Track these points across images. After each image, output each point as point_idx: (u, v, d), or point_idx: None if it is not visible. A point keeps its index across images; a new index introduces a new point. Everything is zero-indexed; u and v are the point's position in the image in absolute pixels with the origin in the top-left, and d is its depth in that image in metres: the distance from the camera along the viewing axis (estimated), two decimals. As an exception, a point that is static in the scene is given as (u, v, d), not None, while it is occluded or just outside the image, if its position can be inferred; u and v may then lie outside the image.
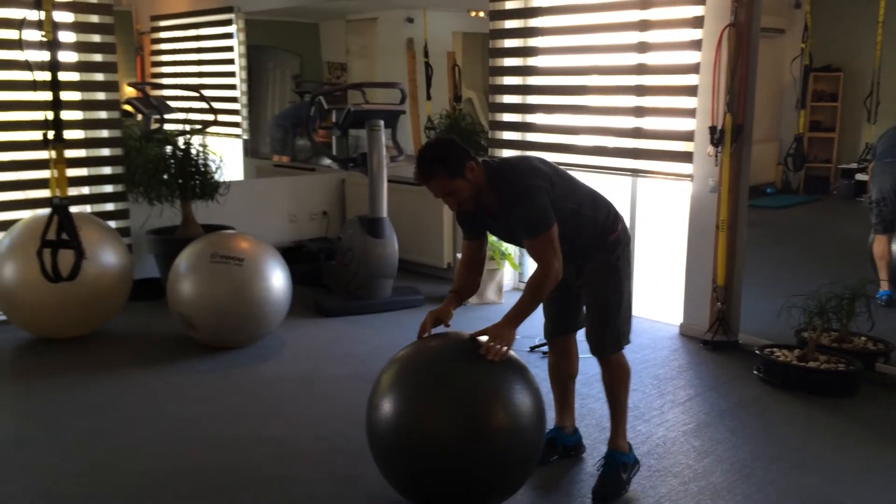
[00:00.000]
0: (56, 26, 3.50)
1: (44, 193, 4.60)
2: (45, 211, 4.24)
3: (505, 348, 2.43)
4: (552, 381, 2.99)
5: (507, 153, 5.20)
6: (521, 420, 2.35)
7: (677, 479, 2.79)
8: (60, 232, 3.53)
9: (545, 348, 3.38)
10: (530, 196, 2.51)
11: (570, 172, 2.78)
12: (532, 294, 2.52)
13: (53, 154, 3.54)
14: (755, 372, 3.77)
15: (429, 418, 2.32)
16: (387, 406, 2.36)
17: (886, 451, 3.01)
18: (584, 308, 2.80)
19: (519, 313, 2.51)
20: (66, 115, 4.14)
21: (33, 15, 3.48)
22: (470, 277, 2.75)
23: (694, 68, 4.14)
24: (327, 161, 6.19)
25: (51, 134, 3.51)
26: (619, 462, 2.73)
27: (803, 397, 3.46)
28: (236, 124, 6.72)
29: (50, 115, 3.52)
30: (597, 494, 2.67)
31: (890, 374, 3.67)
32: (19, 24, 3.58)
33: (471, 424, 2.29)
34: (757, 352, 3.80)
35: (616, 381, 2.77)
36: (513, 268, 5.12)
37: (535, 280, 2.53)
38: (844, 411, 3.39)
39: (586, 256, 2.71)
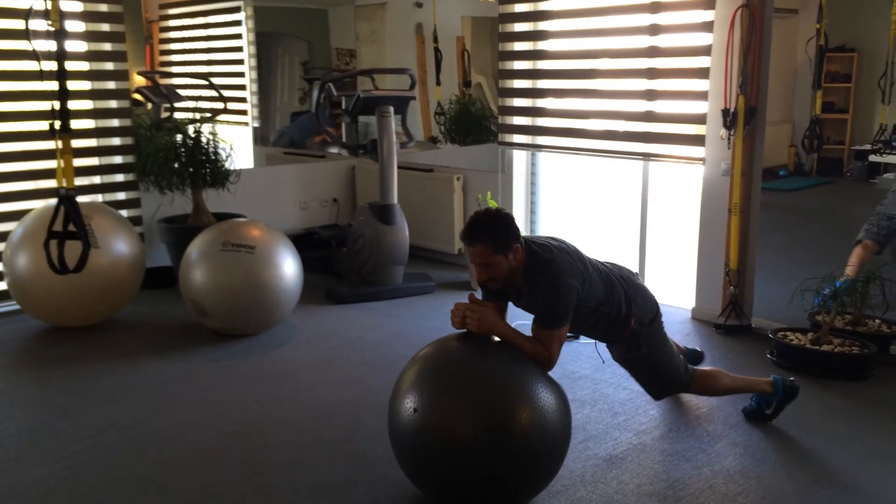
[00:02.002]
0: (63, 15, 3.48)
1: (54, 183, 4.63)
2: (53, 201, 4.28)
3: (475, 323, 2.48)
4: None
5: (517, 139, 5.18)
6: (545, 419, 2.33)
7: (690, 464, 2.79)
8: (67, 223, 3.53)
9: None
10: (562, 293, 2.60)
11: (592, 258, 2.86)
12: (519, 348, 2.51)
13: (60, 144, 3.54)
14: (768, 356, 3.76)
15: (451, 418, 2.30)
16: (409, 406, 2.35)
17: (901, 435, 3.00)
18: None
19: (508, 337, 2.53)
20: (75, 104, 4.16)
21: (40, 4, 3.47)
22: None
23: (706, 50, 4.10)
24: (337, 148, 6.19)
25: (57, 124, 3.51)
26: (765, 400, 3.09)
27: (817, 381, 3.45)
28: (245, 112, 6.71)
29: (56, 104, 3.51)
30: (747, 414, 3.14)
31: (904, 357, 3.65)
32: (26, 14, 3.57)
33: (494, 424, 2.28)
34: (770, 335, 3.79)
35: (714, 389, 3.12)
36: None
37: (531, 353, 2.51)
38: (858, 394, 3.37)
39: (610, 345, 3.06)
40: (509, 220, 2.61)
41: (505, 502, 2.44)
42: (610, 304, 2.81)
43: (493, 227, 2.57)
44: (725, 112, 4.01)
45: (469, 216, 5.46)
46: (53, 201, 4.27)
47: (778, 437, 2.98)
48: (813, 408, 3.21)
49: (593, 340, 3.25)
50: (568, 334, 2.73)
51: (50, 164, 4.55)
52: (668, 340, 3.05)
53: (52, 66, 3.50)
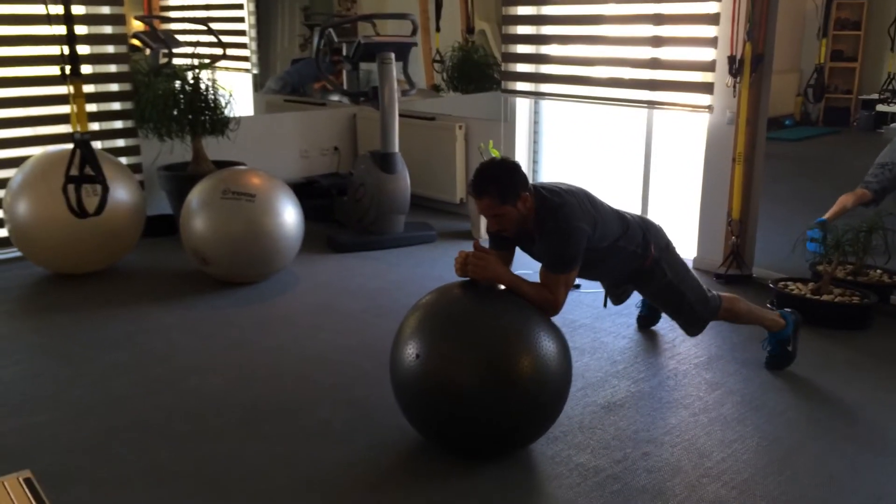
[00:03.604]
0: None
1: (55, 129, 4.60)
2: (57, 147, 4.26)
3: (478, 271, 2.47)
4: None
5: (520, 86, 5.11)
6: (547, 366, 2.34)
7: (688, 411, 2.81)
8: (83, 167, 3.52)
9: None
10: (572, 236, 2.59)
11: (604, 200, 2.88)
12: (523, 295, 2.49)
13: (72, 89, 3.50)
14: (768, 305, 3.76)
15: (453, 364, 2.31)
16: (411, 352, 2.36)
17: (898, 384, 3.02)
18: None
19: (511, 284, 2.50)
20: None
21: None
22: None
23: (714, -5, 4.02)
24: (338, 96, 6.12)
25: (68, 68, 3.47)
26: (778, 340, 3.12)
27: (816, 330, 3.46)
28: (245, 58, 6.62)
29: (66, 49, 3.46)
30: (770, 366, 3.13)
31: (905, 308, 3.66)
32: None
33: (494, 371, 2.28)
34: (771, 285, 3.79)
35: (738, 317, 3.11)
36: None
37: (535, 299, 2.49)
38: (858, 344, 3.39)
39: (636, 281, 3.06)
40: (515, 168, 2.59)
41: (504, 447, 2.47)
42: (628, 239, 2.86)
43: (498, 178, 2.55)
44: (732, 59, 3.95)
45: (473, 166, 5.44)
46: (52, 148, 4.28)
47: (775, 386, 3.00)
48: (812, 357, 3.22)
49: (602, 290, 3.29)
50: (578, 281, 2.75)
51: (48, 109, 4.53)
52: (689, 268, 3.09)
53: (58, 9, 3.44)
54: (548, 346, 2.37)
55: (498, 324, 2.36)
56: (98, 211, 3.57)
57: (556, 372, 2.38)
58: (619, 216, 2.88)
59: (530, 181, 2.64)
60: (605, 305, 3.50)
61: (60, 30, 3.45)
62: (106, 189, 3.55)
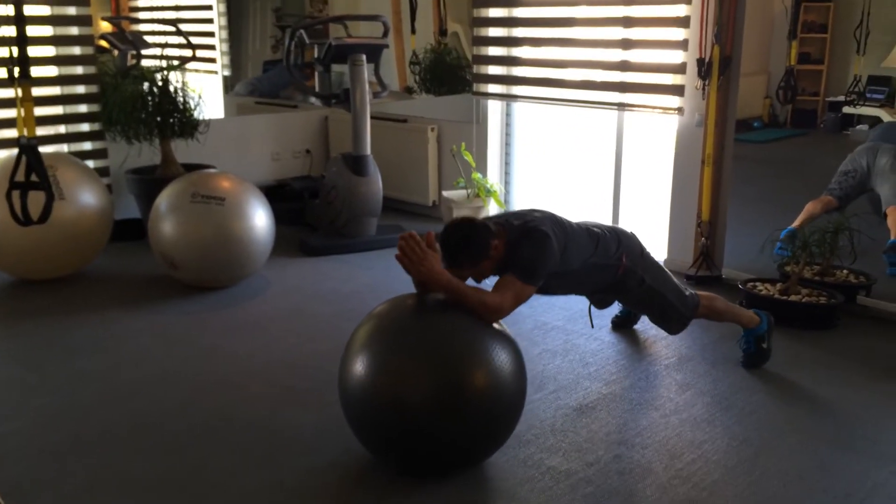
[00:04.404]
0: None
1: (12, 133, 4.51)
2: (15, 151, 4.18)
3: (415, 266, 2.33)
4: None
5: (492, 88, 5.11)
6: (500, 380, 2.26)
7: (658, 412, 2.83)
8: (29, 173, 3.45)
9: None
10: (540, 253, 2.57)
11: (573, 220, 2.88)
12: (462, 297, 2.35)
13: (20, 92, 3.43)
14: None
15: (402, 380, 2.22)
16: (359, 366, 2.27)
17: (865, 382, 3.06)
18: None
19: (452, 291, 2.36)
20: (37, 51, 4.01)
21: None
22: None
23: (684, -2, 4.05)
24: (310, 98, 6.08)
25: (16, 71, 3.40)
26: (755, 336, 3.16)
27: (785, 330, 3.49)
28: (214, 60, 6.56)
29: (15, 51, 3.40)
30: (747, 365, 3.16)
31: (870, 307, 3.71)
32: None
33: (447, 386, 2.20)
34: (740, 286, 3.83)
35: (717, 314, 3.16)
36: (498, 206, 5.09)
37: (474, 301, 2.35)
38: (825, 344, 3.43)
39: (614, 291, 3.08)
40: (473, 230, 2.54)
41: (456, 465, 2.40)
42: (600, 254, 2.86)
43: (466, 246, 2.52)
44: (700, 62, 3.98)
45: (445, 168, 5.42)
46: (13, 152, 4.19)
47: (745, 386, 3.03)
48: (780, 357, 3.25)
49: (590, 305, 3.33)
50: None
51: (8, 112, 4.43)
52: (665, 269, 3.12)
53: (8, 10, 3.38)
54: (502, 358, 2.28)
55: (452, 337, 2.28)
56: (42, 219, 3.48)
57: (511, 385, 2.31)
58: (589, 233, 2.85)
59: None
60: (591, 325, 3.51)
61: (10, 31, 3.38)
62: (51, 196, 3.46)
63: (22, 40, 3.38)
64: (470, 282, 2.53)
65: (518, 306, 2.51)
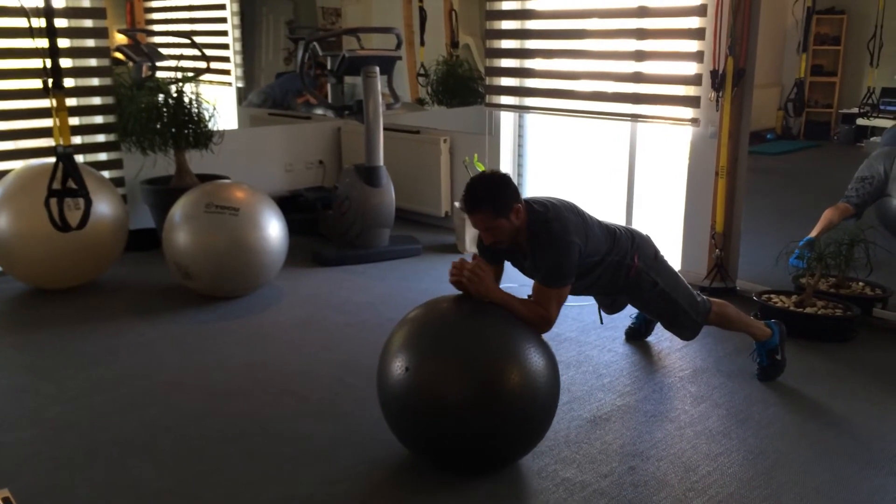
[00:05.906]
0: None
1: (37, 143, 4.56)
2: (38, 161, 4.23)
3: (473, 286, 2.44)
4: None
5: (504, 100, 5.13)
6: (535, 381, 2.34)
7: (673, 424, 2.81)
8: (66, 180, 3.50)
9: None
10: (566, 250, 2.61)
11: (593, 215, 2.90)
12: (514, 312, 2.48)
13: (55, 102, 3.48)
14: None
15: (442, 379, 2.30)
16: (399, 365, 2.35)
17: (881, 395, 3.03)
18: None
19: (503, 302, 2.48)
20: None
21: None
22: None
23: (698, 10, 4.04)
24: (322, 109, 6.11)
25: (50, 82, 3.45)
26: (767, 350, 3.14)
27: (800, 343, 3.47)
28: (228, 72, 6.61)
29: (48, 62, 3.45)
30: (762, 377, 3.14)
31: (887, 319, 3.68)
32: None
33: (484, 386, 2.28)
34: (754, 298, 3.81)
35: (728, 322, 3.13)
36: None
37: (525, 315, 2.49)
38: (841, 356, 3.41)
39: (627, 292, 3.05)
40: (506, 181, 2.60)
41: (492, 463, 2.46)
42: (616, 251, 2.88)
43: (490, 191, 2.56)
44: (714, 73, 3.98)
45: (457, 180, 5.45)
46: (34, 161, 4.24)
47: (760, 399, 3.01)
48: (796, 369, 3.23)
49: (592, 304, 3.31)
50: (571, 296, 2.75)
51: (30, 123, 4.49)
52: (678, 274, 3.11)
53: (41, 23, 3.43)
54: (536, 360, 2.36)
55: (486, 338, 2.35)
56: (81, 225, 3.54)
57: (545, 386, 2.37)
58: (607, 229, 2.89)
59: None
60: (601, 322, 3.51)
61: (43, 43, 3.43)
62: (89, 203, 3.53)
63: (54, 52, 3.44)
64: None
65: (561, 308, 2.61)
